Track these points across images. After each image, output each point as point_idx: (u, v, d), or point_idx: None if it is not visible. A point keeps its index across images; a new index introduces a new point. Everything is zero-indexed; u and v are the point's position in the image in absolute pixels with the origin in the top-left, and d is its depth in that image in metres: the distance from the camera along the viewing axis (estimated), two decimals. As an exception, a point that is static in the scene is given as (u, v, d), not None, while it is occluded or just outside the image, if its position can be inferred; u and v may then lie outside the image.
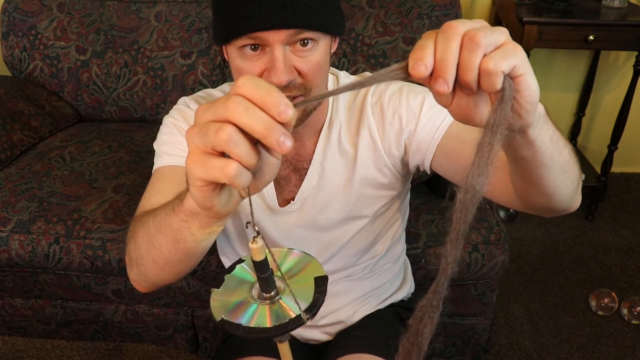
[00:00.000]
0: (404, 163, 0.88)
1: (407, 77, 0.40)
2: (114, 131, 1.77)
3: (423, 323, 0.40)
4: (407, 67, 0.39)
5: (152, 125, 1.80)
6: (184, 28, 1.80)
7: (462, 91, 0.42)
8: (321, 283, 0.46)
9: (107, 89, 1.83)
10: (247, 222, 0.44)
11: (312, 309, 0.43)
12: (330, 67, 0.87)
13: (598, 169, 2.14)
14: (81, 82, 1.83)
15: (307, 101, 0.43)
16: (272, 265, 0.44)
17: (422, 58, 0.38)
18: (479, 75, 0.39)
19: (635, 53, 1.86)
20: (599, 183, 2.10)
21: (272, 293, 0.45)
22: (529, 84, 0.41)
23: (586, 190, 2.12)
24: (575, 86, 2.30)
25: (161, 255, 0.60)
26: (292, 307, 0.44)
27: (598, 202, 2.14)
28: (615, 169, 2.23)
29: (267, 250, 0.43)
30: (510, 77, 0.40)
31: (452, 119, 0.79)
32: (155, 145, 0.86)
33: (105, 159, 1.58)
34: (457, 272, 0.40)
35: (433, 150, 0.81)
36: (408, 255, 1.17)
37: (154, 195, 0.76)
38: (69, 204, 1.38)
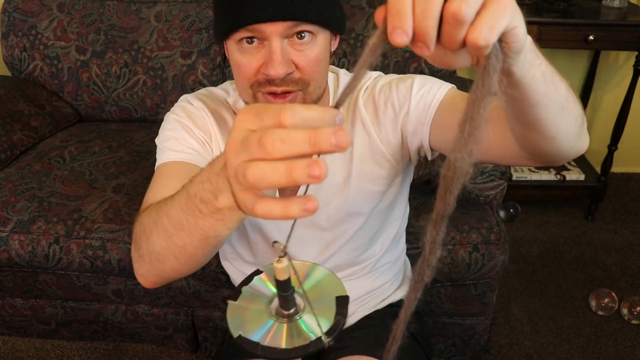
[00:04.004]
0: (404, 151, 0.88)
1: (388, 44, 0.36)
2: (114, 131, 1.77)
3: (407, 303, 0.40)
4: (385, 32, 0.35)
5: (152, 125, 1.80)
6: (184, 28, 1.80)
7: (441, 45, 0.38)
8: (343, 304, 0.44)
9: (107, 89, 1.83)
10: (274, 242, 0.43)
11: (333, 332, 0.42)
12: (330, 66, 0.87)
13: (598, 169, 2.14)
14: (81, 82, 1.83)
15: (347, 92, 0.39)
16: (294, 282, 0.43)
17: (402, 26, 0.34)
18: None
19: (635, 53, 1.86)
20: (599, 183, 2.10)
21: (292, 311, 0.43)
22: (518, 36, 0.38)
23: (586, 190, 2.12)
24: (575, 86, 2.30)
25: (185, 252, 0.59)
26: (311, 328, 0.42)
27: (598, 202, 2.14)
28: (615, 169, 2.23)
29: (292, 270, 0.42)
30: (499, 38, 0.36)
31: (443, 94, 0.80)
32: (158, 141, 0.86)
33: (105, 159, 1.58)
34: (439, 258, 0.38)
35: (428, 128, 0.81)
36: (408, 255, 1.17)
37: (160, 190, 0.75)
38: (69, 204, 1.38)
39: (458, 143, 0.36)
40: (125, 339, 1.58)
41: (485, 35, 0.35)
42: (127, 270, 1.33)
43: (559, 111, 0.55)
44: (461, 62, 0.40)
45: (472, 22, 0.35)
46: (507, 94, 0.50)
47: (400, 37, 0.35)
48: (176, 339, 1.53)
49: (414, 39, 0.35)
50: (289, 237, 0.42)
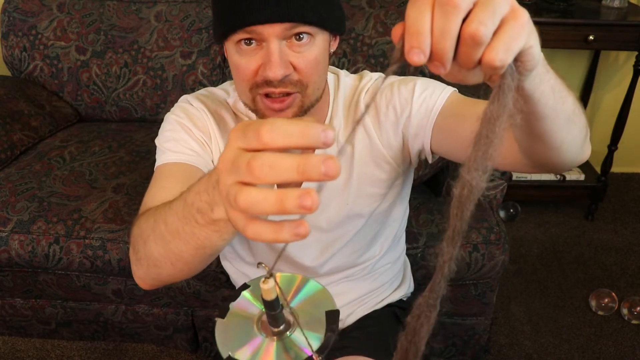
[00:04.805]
0: (405, 154, 0.88)
1: (404, 61, 0.36)
2: (114, 131, 1.77)
3: (420, 322, 0.39)
4: (402, 50, 0.35)
5: (152, 125, 1.80)
6: (184, 28, 1.80)
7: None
8: (333, 319, 0.43)
9: (107, 89, 1.83)
10: (259, 263, 0.42)
11: (324, 349, 0.41)
12: (330, 66, 0.87)
13: (598, 169, 2.14)
14: (81, 82, 1.83)
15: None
16: (283, 299, 0.42)
17: (420, 46, 0.34)
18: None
19: (635, 53, 1.86)
20: (599, 183, 2.10)
21: (281, 328, 0.43)
22: (533, 55, 0.38)
23: (586, 190, 2.12)
24: (575, 86, 2.30)
25: (181, 259, 0.59)
26: (301, 346, 0.42)
27: (598, 202, 2.14)
28: (615, 169, 2.23)
29: (278, 290, 0.41)
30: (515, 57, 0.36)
31: (445, 98, 0.80)
32: (158, 141, 0.85)
33: (105, 159, 1.58)
34: (455, 271, 0.38)
35: (430, 132, 0.81)
36: (408, 255, 1.17)
37: (159, 191, 0.75)
38: (69, 204, 1.38)
39: (473, 161, 0.35)
40: (125, 339, 1.58)
41: (502, 56, 0.35)
42: (127, 270, 1.33)
43: (566, 123, 0.55)
44: (474, 79, 0.40)
45: (489, 43, 0.35)
46: (516, 107, 0.51)
47: (418, 57, 0.35)
48: (176, 339, 1.53)
49: (431, 58, 0.35)
50: (276, 259, 0.42)
